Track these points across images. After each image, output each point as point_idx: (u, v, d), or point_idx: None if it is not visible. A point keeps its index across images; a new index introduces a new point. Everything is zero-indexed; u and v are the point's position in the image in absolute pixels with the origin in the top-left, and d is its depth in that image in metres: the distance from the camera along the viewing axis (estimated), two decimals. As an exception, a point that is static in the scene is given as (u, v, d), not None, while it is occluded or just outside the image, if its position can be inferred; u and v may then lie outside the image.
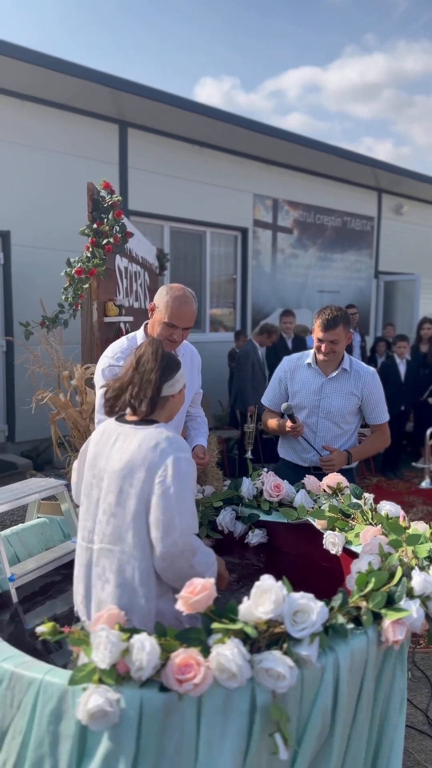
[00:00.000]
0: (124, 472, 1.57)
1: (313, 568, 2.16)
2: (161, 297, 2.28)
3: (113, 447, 1.63)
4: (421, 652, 3.08)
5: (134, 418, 1.67)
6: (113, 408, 1.69)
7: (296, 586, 1.38)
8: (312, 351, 2.84)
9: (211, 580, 1.29)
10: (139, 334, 2.41)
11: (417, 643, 3.11)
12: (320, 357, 2.74)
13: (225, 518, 2.34)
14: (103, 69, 6.95)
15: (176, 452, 1.57)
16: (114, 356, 2.32)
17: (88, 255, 3.78)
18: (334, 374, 2.77)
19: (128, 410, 1.69)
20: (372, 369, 2.87)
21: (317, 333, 2.71)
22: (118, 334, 3.84)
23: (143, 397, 1.64)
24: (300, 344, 6.75)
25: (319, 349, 2.72)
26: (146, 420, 1.66)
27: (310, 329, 3.10)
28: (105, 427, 1.71)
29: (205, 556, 1.58)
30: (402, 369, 6.49)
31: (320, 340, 2.70)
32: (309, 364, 2.81)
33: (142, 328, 2.42)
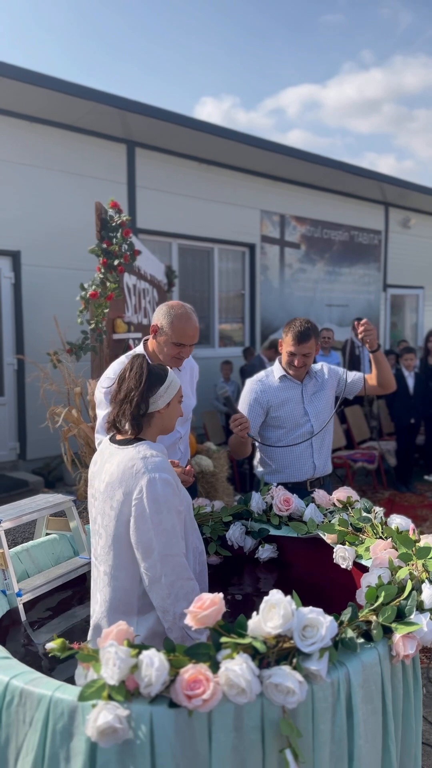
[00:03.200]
0: (106, 494, 1.59)
1: (325, 583, 2.14)
2: (163, 318, 2.29)
3: (103, 468, 1.65)
4: (436, 668, 3.04)
5: (122, 436, 1.68)
6: (113, 424, 1.70)
7: (307, 601, 1.37)
8: (275, 367, 2.84)
9: (220, 595, 1.29)
10: (138, 351, 2.43)
11: (431, 658, 3.07)
12: (292, 371, 2.75)
13: (234, 533, 2.34)
14: (105, 89, 7.06)
15: (151, 473, 1.54)
16: (115, 375, 2.35)
17: (101, 276, 3.82)
18: (307, 379, 2.82)
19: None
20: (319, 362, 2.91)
21: (288, 347, 2.69)
22: (127, 351, 3.86)
23: (125, 417, 1.63)
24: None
25: (291, 363, 2.72)
26: (132, 439, 1.65)
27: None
28: (101, 447, 1.73)
29: (185, 587, 1.54)
30: (410, 382, 6.47)
31: (293, 354, 2.70)
32: (283, 377, 2.80)
33: (141, 344, 2.44)
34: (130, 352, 2.47)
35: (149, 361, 1.75)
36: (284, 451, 2.79)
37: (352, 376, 2.89)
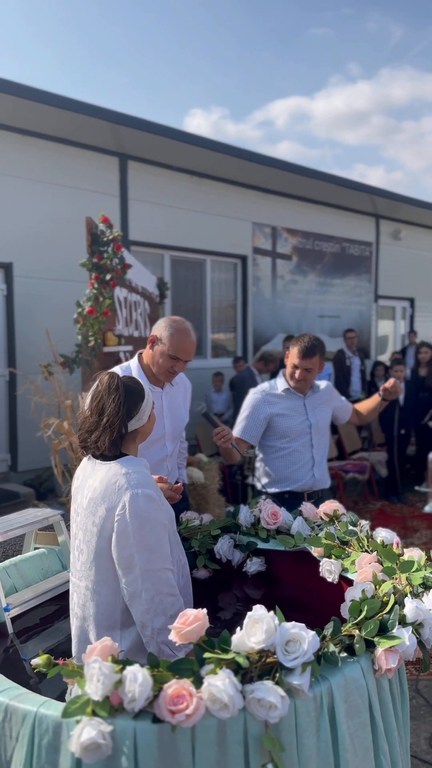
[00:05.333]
0: (88, 510, 1.60)
1: (312, 596, 2.16)
2: (164, 330, 2.32)
3: (86, 483, 1.65)
4: (425, 680, 3.06)
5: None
6: (85, 446, 1.68)
7: (294, 614, 1.39)
8: (278, 379, 2.93)
9: (203, 611, 1.31)
10: (132, 364, 2.45)
11: (420, 670, 3.08)
12: (292, 383, 2.82)
13: (223, 547, 2.35)
14: (94, 101, 7.14)
15: (134, 488, 1.54)
16: None
17: (94, 291, 3.85)
18: (310, 393, 2.92)
19: None
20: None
21: (293, 359, 2.79)
22: (117, 363, 3.89)
23: (105, 443, 1.61)
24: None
25: (292, 375, 2.80)
26: (113, 455, 1.65)
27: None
28: (83, 463, 1.73)
29: (163, 602, 1.54)
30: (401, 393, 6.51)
31: (296, 367, 2.78)
32: (287, 390, 2.87)
33: (136, 357, 2.47)
34: (124, 365, 2.48)
35: (124, 376, 1.73)
36: (285, 462, 2.85)
37: (345, 405, 3.08)
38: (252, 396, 2.90)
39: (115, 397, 1.62)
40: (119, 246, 3.91)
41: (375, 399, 3.05)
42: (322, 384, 2.99)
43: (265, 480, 2.90)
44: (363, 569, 1.73)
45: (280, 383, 2.89)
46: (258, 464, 2.95)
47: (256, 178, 8.38)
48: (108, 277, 3.84)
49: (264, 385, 2.93)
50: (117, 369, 2.43)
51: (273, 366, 6.52)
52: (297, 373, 2.77)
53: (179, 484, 2.22)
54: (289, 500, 2.75)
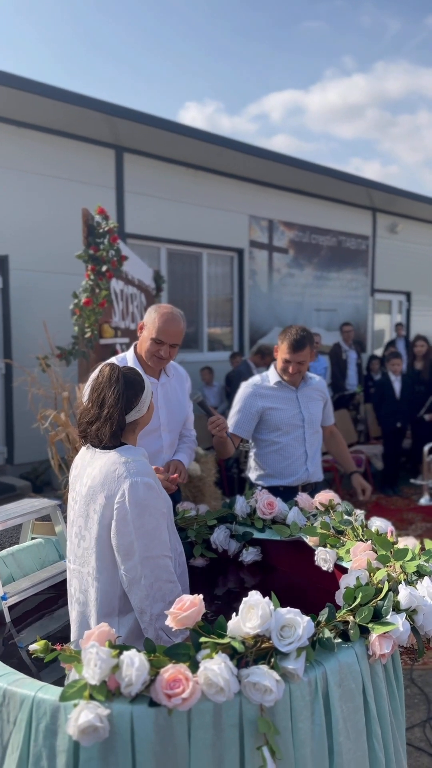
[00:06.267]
0: (88, 497, 1.61)
1: (307, 585, 2.18)
2: (149, 315, 2.36)
3: (84, 471, 1.66)
4: (419, 669, 3.08)
5: None
6: (84, 435, 1.69)
7: (289, 602, 1.41)
8: (270, 372, 2.90)
9: (199, 597, 1.32)
10: (128, 355, 2.45)
11: (414, 660, 3.11)
12: (287, 378, 2.81)
13: (219, 536, 2.36)
14: (91, 94, 7.11)
15: (133, 477, 1.56)
16: None
17: (90, 283, 3.84)
18: (303, 384, 2.89)
19: None
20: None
21: (284, 354, 2.75)
22: (114, 356, 3.89)
23: (106, 434, 1.63)
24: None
25: (286, 369, 2.78)
26: (113, 445, 1.66)
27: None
28: (82, 451, 1.74)
29: (162, 589, 1.56)
30: (397, 386, 6.53)
31: (287, 361, 2.75)
32: (279, 383, 2.85)
33: (132, 348, 2.48)
34: (120, 356, 2.49)
35: (124, 367, 1.74)
36: (279, 456, 2.83)
37: (329, 416, 3.07)
38: (243, 389, 2.87)
39: (115, 389, 1.63)
40: (115, 237, 3.90)
41: (347, 457, 3.15)
42: (317, 378, 2.97)
43: (259, 473, 2.90)
44: (358, 557, 1.75)
45: (272, 376, 2.86)
46: (251, 458, 2.94)
47: (253, 170, 8.36)
48: (104, 268, 3.84)
49: (255, 378, 2.90)
50: (113, 360, 2.44)
51: (270, 359, 6.53)
52: (291, 367, 2.75)
53: (175, 476, 2.23)
54: (284, 493, 2.76)
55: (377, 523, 2.02)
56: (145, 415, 1.73)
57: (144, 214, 7.48)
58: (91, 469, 1.64)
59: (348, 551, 1.96)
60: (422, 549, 1.82)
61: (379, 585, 1.59)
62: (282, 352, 2.76)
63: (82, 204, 5.70)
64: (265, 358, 6.41)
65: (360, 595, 1.52)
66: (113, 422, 1.62)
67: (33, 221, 6.42)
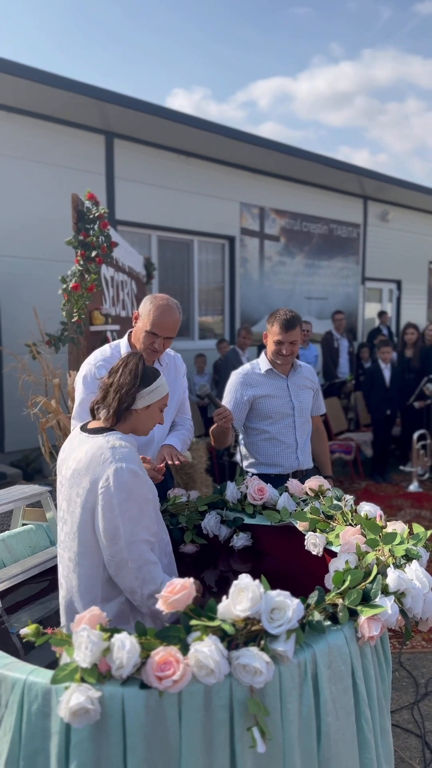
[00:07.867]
0: (72, 481, 1.62)
1: (297, 569, 2.20)
2: (144, 306, 2.30)
3: (71, 455, 1.67)
4: (407, 653, 3.12)
5: (94, 425, 1.71)
6: (97, 406, 1.75)
7: (280, 586, 1.42)
8: (260, 359, 2.89)
9: (190, 580, 1.33)
10: (122, 343, 2.44)
11: (403, 643, 3.15)
12: (279, 361, 2.79)
13: (210, 522, 2.37)
14: (78, 78, 7.04)
15: (119, 462, 1.57)
16: (96, 363, 2.35)
17: (80, 268, 3.81)
18: (292, 372, 2.88)
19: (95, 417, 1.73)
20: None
21: (276, 336, 2.73)
22: (105, 343, 3.87)
23: (108, 406, 1.68)
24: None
25: (279, 351, 2.76)
26: (103, 428, 1.68)
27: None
28: (70, 435, 1.76)
29: (152, 572, 1.58)
30: (387, 374, 6.56)
31: (280, 342, 2.74)
32: (269, 371, 2.84)
33: (126, 336, 2.45)
34: (113, 343, 2.47)
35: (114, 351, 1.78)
36: (269, 445, 2.84)
37: (320, 404, 3.05)
38: (233, 378, 2.86)
39: (131, 370, 1.71)
40: (105, 223, 3.87)
41: (326, 459, 3.10)
42: (304, 365, 2.97)
43: (250, 461, 2.91)
44: (347, 541, 1.76)
45: (263, 364, 2.85)
46: (242, 446, 2.95)
47: (244, 157, 8.31)
48: (94, 254, 3.81)
49: (246, 367, 2.89)
50: (107, 347, 2.42)
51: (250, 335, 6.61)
52: (284, 348, 2.74)
53: (161, 465, 2.22)
54: (275, 479, 2.78)
55: (366, 508, 2.04)
56: (142, 411, 1.73)
57: (134, 200, 7.42)
58: (77, 452, 1.65)
59: (337, 536, 1.98)
60: (411, 533, 1.84)
61: (368, 568, 1.60)
62: (273, 335, 2.75)
63: (71, 190, 5.64)
64: (249, 334, 6.45)
65: (349, 578, 1.53)
66: (120, 394, 1.67)
67: (22, 207, 6.36)
